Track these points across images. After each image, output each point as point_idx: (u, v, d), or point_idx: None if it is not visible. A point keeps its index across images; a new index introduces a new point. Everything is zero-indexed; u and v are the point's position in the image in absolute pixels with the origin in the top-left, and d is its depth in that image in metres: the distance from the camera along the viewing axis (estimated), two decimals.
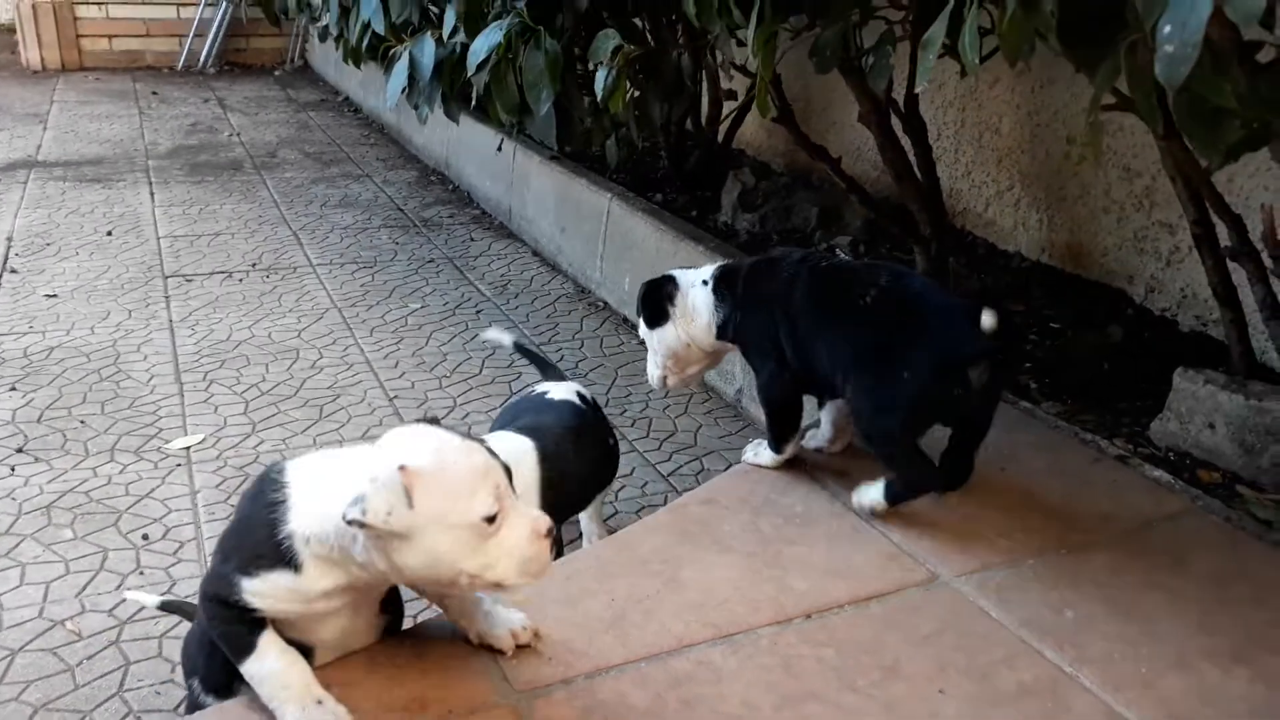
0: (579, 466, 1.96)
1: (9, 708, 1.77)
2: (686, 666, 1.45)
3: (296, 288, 3.82)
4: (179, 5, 8.75)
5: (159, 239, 4.35)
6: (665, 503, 2.37)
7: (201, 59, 8.78)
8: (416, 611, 1.81)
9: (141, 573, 2.14)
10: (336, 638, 1.39)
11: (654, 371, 2.07)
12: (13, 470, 2.51)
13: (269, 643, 1.29)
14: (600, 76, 2.53)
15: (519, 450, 1.85)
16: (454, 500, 1.20)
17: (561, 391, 2.09)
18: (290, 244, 4.35)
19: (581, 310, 3.69)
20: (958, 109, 3.38)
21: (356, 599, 1.34)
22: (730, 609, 1.58)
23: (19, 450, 2.61)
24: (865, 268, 1.86)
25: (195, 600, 1.52)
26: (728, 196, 3.72)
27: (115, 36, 8.67)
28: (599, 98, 2.55)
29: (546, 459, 1.88)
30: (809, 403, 1.97)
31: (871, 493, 1.80)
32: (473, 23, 2.92)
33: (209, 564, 1.42)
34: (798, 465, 1.96)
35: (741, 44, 2.28)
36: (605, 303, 3.72)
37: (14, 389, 2.94)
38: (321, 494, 1.25)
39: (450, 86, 3.22)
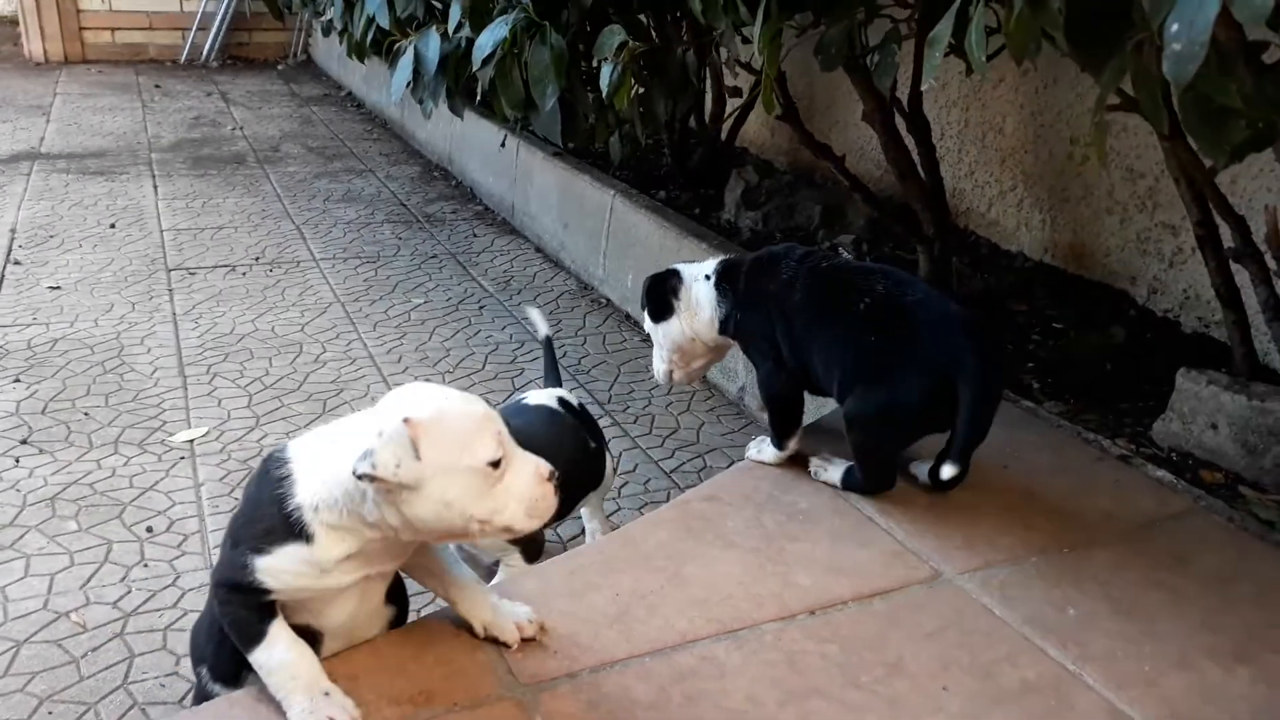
0: None
1: (14, 699, 1.78)
2: (690, 661, 1.46)
3: (300, 282, 3.83)
4: None
5: (162, 232, 4.35)
6: (668, 499, 2.38)
7: (204, 52, 8.78)
8: (421, 606, 1.82)
9: (145, 565, 2.15)
10: (344, 623, 1.39)
11: (659, 366, 2.09)
12: (17, 462, 2.52)
13: (279, 632, 1.30)
14: (605, 72, 2.53)
15: None
16: (459, 448, 1.23)
17: (539, 398, 2.08)
18: (293, 238, 4.36)
19: (584, 307, 3.69)
20: (961, 108, 3.38)
21: (365, 581, 1.35)
22: (734, 605, 1.58)
23: (23, 442, 2.61)
24: (864, 271, 1.86)
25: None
26: (731, 194, 3.72)
27: (118, 29, 8.67)
28: (604, 94, 2.55)
29: None
30: (812, 402, 1.98)
31: (831, 472, 1.91)
32: (478, 17, 2.92)
33: (217, 554, 1.43)
34: (800, 462, 1.96)
35: (747, 41, 2.28)
36: (608, 299, 3.73)
37: (18, 381, 2.94)
38: (325, 462, 1.28)
39: (455, 81, 3.22)
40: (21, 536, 2.23)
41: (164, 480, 2.46)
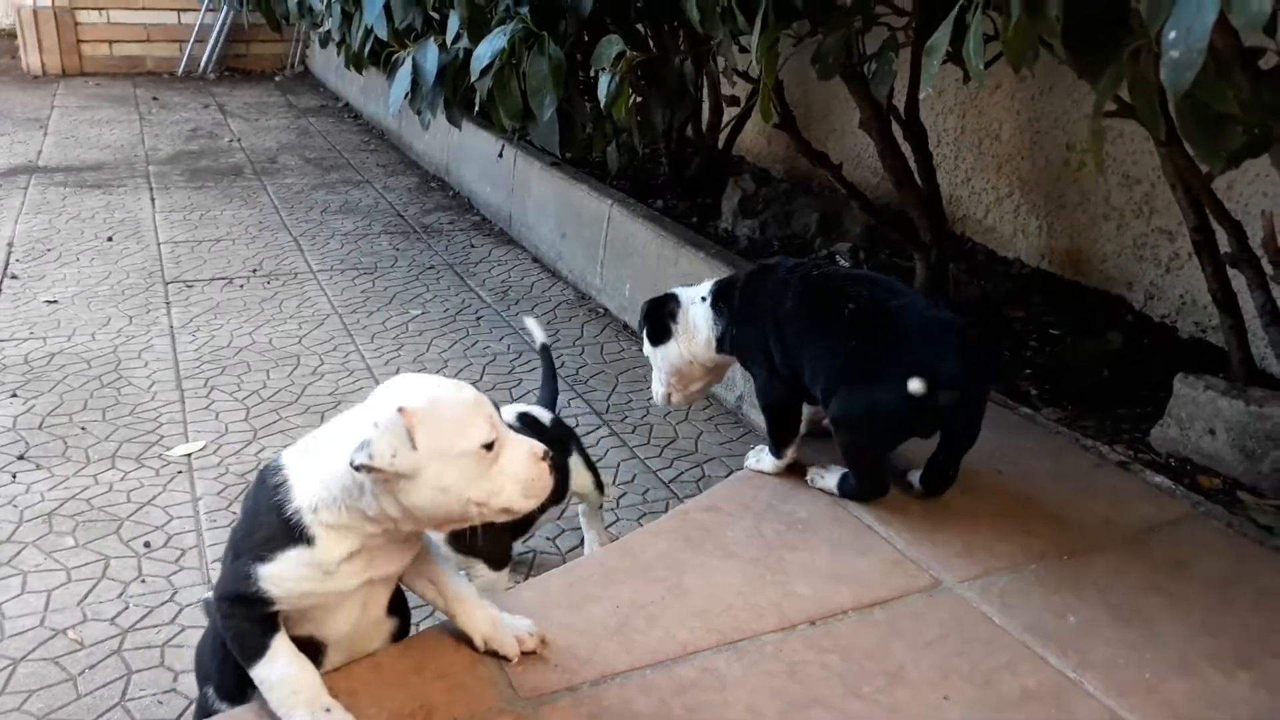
0: None
1: (11, 718, 1.77)
2: (691, 673, 1.45)
3: (297, 294, 3.83)
4: (180, 10, 8.76)
5: (160, 245, 4.35)
6: (667, 509, 2.38)
7: (202, 64, 8.79)
8: (420, 619, 1.81)
9: (143, 581, 2.14)
10: (347, 633, 1.39)
11: (658, 389, 2.11)
12: (14, 477, 2.51)
13: (281, 646, 1.30)
14: (604, 82, 2.54)
15: None
16: (452, 433, 1.25)
17: (504, 414, 2.06)
18: (291, 250, 4.35)
19: (582, 316, 3.69)
20: (958, 115, 3.38)
21: (368, 587, 1.36)
22: (734, 615, 1.58)
23: (20, 457, 2.61)
24: (852, 279, 1.90)
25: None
26: (728, 203, 3.72)
27: (116, 42, 8.68)
28: (602, 104, 2.56)
29: None
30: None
31: (828, 479, 1.91)
32: (476, 28, 2.93)
33: (215, 569, 1.42)
34: (799, 471, 1.96)
35: (744, 50, 2.28)
36: (605, 309, 3.73)
37: (15, 395, 2.94)
38: (320, 463, 1.29)
39: (453, 92, 3.22)
40: (18, 553, 2.22)
41: (161, 495, 2.45)
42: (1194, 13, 1.14)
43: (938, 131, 3.41)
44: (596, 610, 1.58)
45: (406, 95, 3.19)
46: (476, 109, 3.09)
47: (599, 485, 2.16)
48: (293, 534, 1.27)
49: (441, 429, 1.25)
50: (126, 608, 2.05)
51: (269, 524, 1.29)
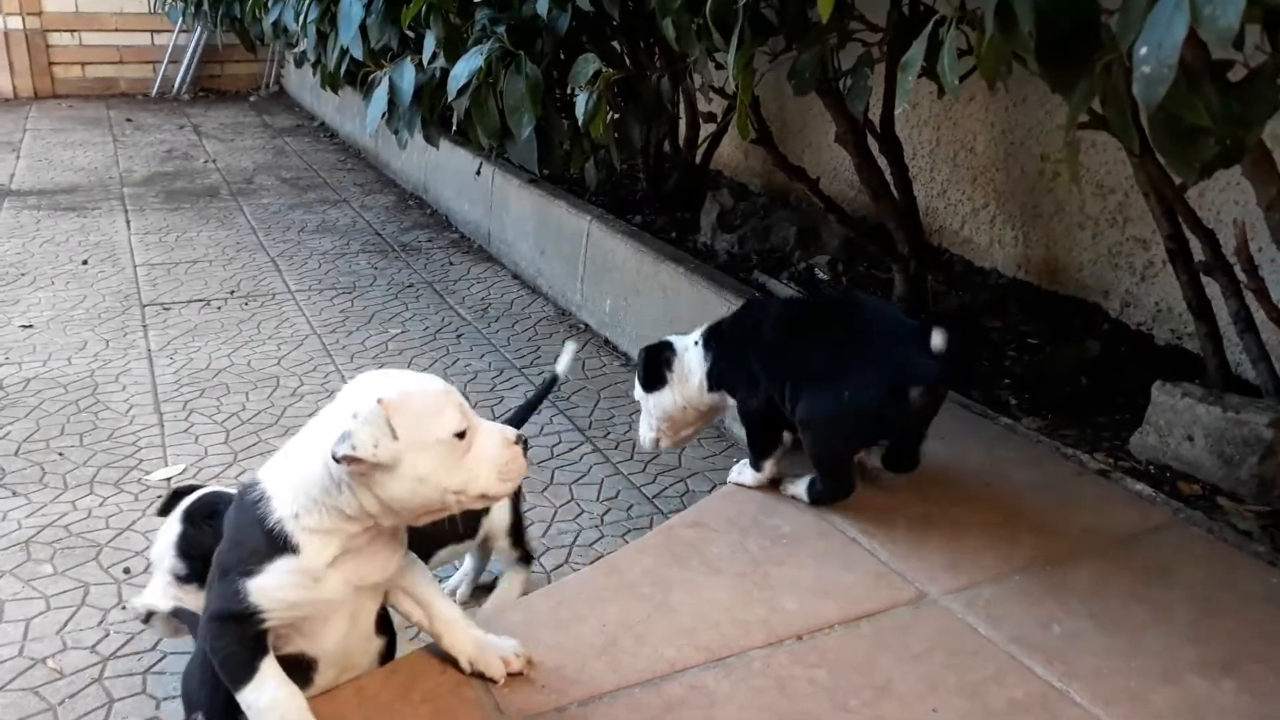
0: None
1: None
2: (679, 691, 1.45)
3: (276, 315, 3.81)
4: (153, 32, 8.73)
5: (135, 267, 4.32)
6: (651, 525, 2.38)
7: (176, 85, 8.76)
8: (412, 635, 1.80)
9: (123, 607, 2.11)
10: (337, 647, 1.39)
11: (647, 434, 2.13)
12: None
13: (269, 670, 1.30)
14: (581, 100, 2.54)
15: None
16: (426, 424, 1.27)
17: None
18: (269, 270, 4.33)
19: (563, 333, 3.69)
20: (933, 128, 3.41)
21: (357, 597, 1.36)
22: (721, 632, 1.58)
23: None
24: (824, 296, 1.96)
25: None
26: (706, 217, 3.73)
27: (88, 64, 8.64)
28: (580, 121, 2.56)
29: None
30: None
31: (798, 486, 1.93)
32: (453, 48, 2.93)
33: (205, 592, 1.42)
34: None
35: (720, 66, 2.30)
36: (586, 325, 3.73)
37: None
38: (296, 469, 1.31)
39: (430, 111, 3.22)
40: None
41: (141, 520, 2.43)
42: (1164, 28, 1.16)
43: (913, 144, 3.44)
44: (583, 629, 1.58)
45: (383, 115, 3.19)
46: (454, 128, 3.09)
47: (518, 539, 2.08)
48: (277, 544, 1.28)
49: (415, 419, 1.27)
50: (107, 635, 2.03)
51: (253, 539, 1.30)
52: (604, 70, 2.55)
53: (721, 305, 2.77)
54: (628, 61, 3.07)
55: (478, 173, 4.70)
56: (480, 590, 2.18)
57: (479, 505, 1.36)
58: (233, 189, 5.73)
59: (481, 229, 4.76)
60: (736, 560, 1.76)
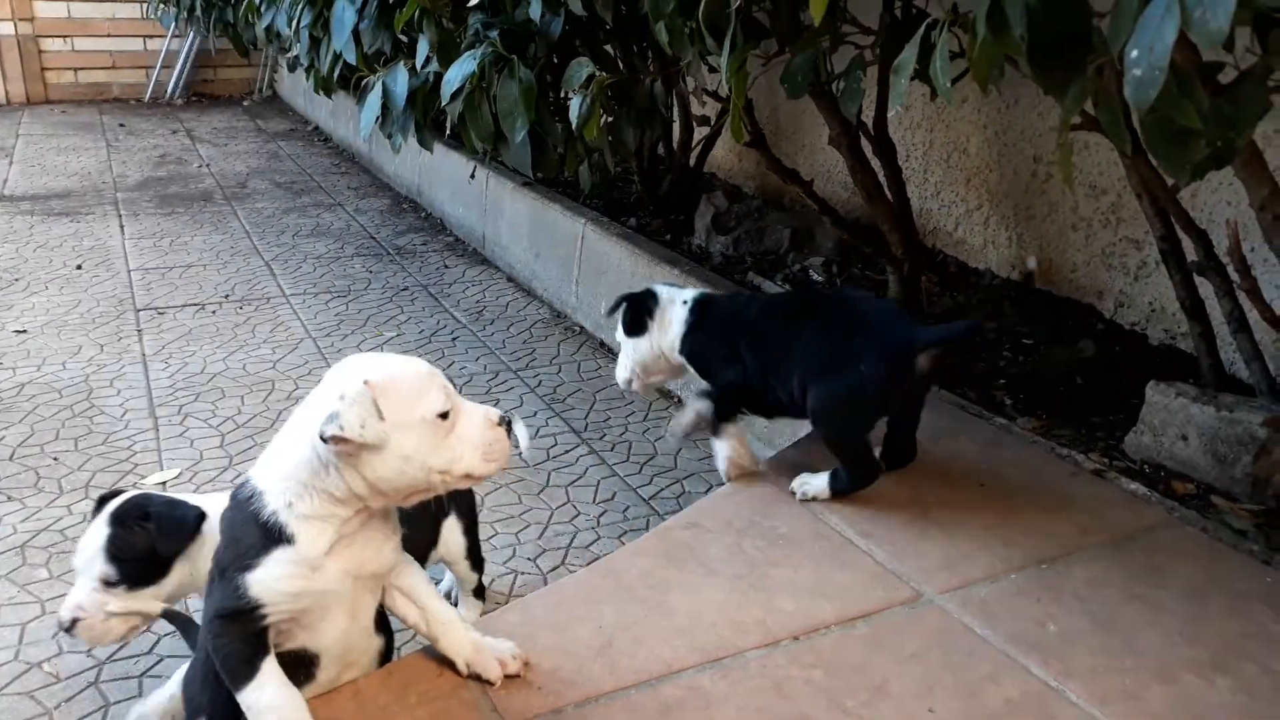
0: None
1: None
2: (676, 692, 1.45)
3: (270, 318, 3.80)
4: (145, 37, 8.73)
5: (130, 272, 4.31)
6: (647, 526, 2.38)
7: (169, 90, 8.75)
8: (403, 642, 1.80)
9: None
10: (338, 641, 1.40)
11: (623, 374, 2.22)
12: None
13: (270, 671, 1.31)
14: (575, 104, 2.55)
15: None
16: (411, 404, 1.30)
17: None
18: (263, 274, 4.33)
19: (558, 335, 3.69)
20: (926, 130, 3.42)
21: (356, 588, 1.37)
22: (718, 633, 1.58)
23: None
24: (813, 291, 2.01)
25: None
26: (701, 220, 3.74)
27: (81, 69, 8.63)
28: (574, 125, 2.57)
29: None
30: (794, 425, 1.99)
31: (816, 483, 1.93)
32: (446, 52, 2.93)
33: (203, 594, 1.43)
34: (780, 486, 1.97)
35: (713, 69, 2.30)
36: (581, 327, 3.73)
37: None
38: (283, 458, 1.32)
39: (424, 115, 3.22)
40: None
41: None
42: (1155, 32, 1.16)
43: (906, 146, 3.45)
44: (580, 631, 1.58)
45: (377, 119, 3.19)
46: (448, 131, 3.09)
47: (476, 564, 2.03)
48: (273, 536, 1.30)
49: (403, 399, 1.29)
50: None
51: (249, 534, 1.31)
52: (598, 74, 2.56)
53: None
54: (621, 65, 3.07)
55: (472, 176, 4.71)
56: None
57: (464, 485, 1.38)
58: (227, 193, 5.72)
59: (476, 232, 4.76)
60: (733, 561, 1.76)
